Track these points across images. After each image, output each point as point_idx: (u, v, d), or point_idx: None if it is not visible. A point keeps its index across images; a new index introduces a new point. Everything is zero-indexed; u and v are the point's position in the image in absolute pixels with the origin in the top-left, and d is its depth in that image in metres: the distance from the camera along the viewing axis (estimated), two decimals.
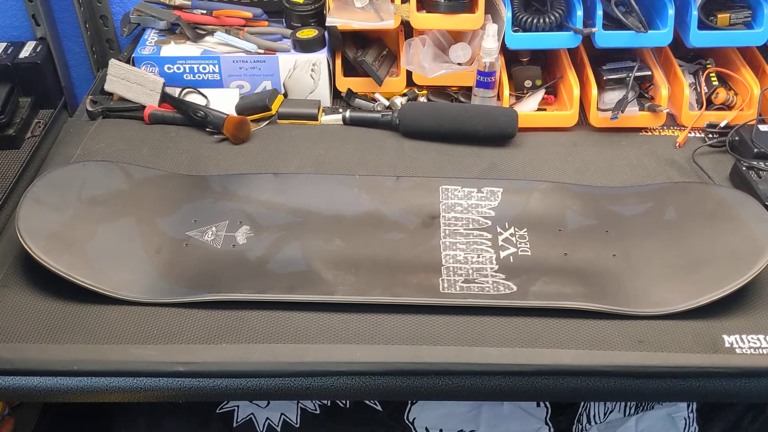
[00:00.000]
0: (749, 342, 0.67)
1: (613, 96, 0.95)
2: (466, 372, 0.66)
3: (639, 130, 0.96)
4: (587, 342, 0.67)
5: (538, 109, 0.98)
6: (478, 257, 0.75)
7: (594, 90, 0.94)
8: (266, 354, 0.67)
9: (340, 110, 0.98)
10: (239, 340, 0.68)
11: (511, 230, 0.79)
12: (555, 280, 0.73)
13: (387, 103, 1.00)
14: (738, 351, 0.66)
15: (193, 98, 0.99)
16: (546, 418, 0.97)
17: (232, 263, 0.75)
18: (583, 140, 0.94)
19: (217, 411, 0.97)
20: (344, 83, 1.01)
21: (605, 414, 0.96)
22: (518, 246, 0.77)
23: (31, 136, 0.99)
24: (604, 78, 0.95)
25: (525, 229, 0.79)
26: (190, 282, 0.73)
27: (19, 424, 0.85)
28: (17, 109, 1.00)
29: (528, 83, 0.99)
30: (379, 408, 0.95)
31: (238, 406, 0.97)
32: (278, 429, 0.96)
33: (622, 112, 0.92)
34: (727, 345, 0.67)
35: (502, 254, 0.76)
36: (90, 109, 0.98)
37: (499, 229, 0.79)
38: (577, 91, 0.94)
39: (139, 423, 0.94)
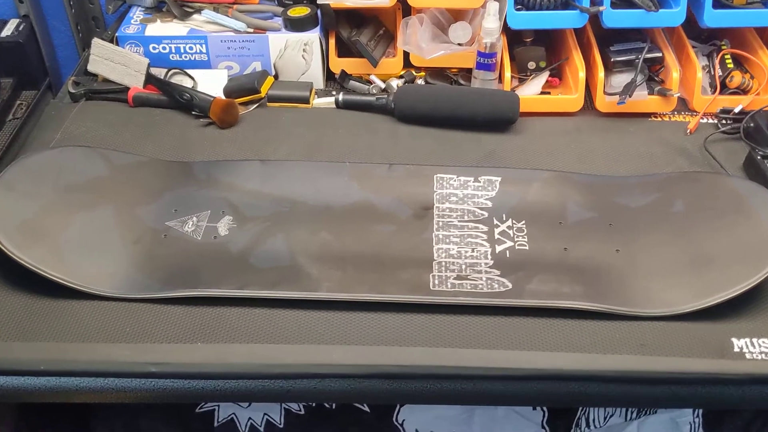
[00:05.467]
0: (760, 346, 0.62)
1: (621, 79, 0.90)
2: (457, 376, 0.62)
3: (648, 115, 0.91)
4: (586, 345, 0.63)
5: (542, 93, 0.93)
6: (473, 251, 0.71)
7: (601, 72, 0.89)
8: (244, 355, 0.63)
9: (334, 93, 0.94)
10: (216, 339, 0.64)
11: (509, 222, 0.74)
12: (553, 277, 0.68)
13: (383, 86, 0.95)
14: (748, 356, 0.62)
15: (180, 80, 0.94)
16: (542, 421, 0.93)
17: (212, 256, 0.71)
18: (588, 126, 0.89)
19: (197, 411, 0.94)
20: (338, 64, 0.96)
21: (605, 418, 0.92)
22: (515, 240, 0.72)
23: (12, 119, 0.95)
24: (612, 60, 0.90)
25: (523, 222, 0.74)
26: (167, 276, 0.69)
27: None
28: None
29: (531, 65, 0.93)
30: (366, 409, 0.92)
31: (218, 406, 0.94)
32: (261, 429, 0.93)
33: (630, 96, 0.87)
34: (736, 350, 0.62)
35: (498, 248, 0.71)
36: (72, 90, 0.94)
37: (495, 221, 0.74)
38: (582, 74, 0.88)
39: (117, 421, 0.91)
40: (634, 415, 0.91)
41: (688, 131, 0.88)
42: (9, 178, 0.73)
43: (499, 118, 0.88)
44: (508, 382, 0.62)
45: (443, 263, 0.70)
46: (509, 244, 0.72)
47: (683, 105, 0.92)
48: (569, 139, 0.86)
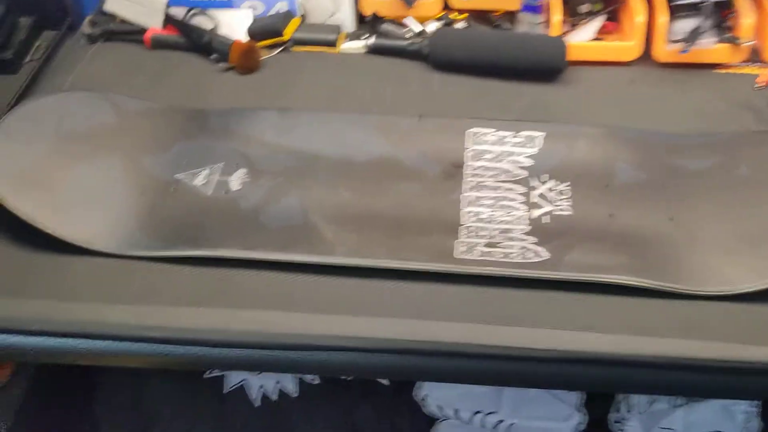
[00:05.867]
0: None
1: (684, 25, 0.79)
2: (481, 355, 0.56)
3: (713, 66, 0.81)
4: (630, 325, 0.56)
5: (595, 39, 0.83)
6: (507, 216, 0.64)
7: (662, 17, 0.79)
8: (249, 321, 0.58)
9: (364, 37, 0.86)
10: (222, 303, 0.59)
11: (550, 184, 0.67)
12: (596, 247, 0.61)
13: (418, 29, 0.87)
14: None
15: (201, 21, 0.88)
16: (578, 404, 0.86)
17: (221, 213, 0.65)
18: (644, 77, 0.79)
19: (205, 376, 0.90)
20: (370, 5, 0.88)
21: (649, 403, 0.85)
22: (556, 203, 0.65)
23: (30, 60, 0.90)
24: (676, 3, 0.80)
25: (566, 183, 0.67)
26: (171, 234, 0.64)
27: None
28: (15, 29, 0.92)
29: (584, 8, 0.84)
30: (385, 382, 0.86)
31: (228, 372, 0.90)
32: (274, 398, 0.88)
33: (694, 43, 0.77)
34: None
35: (536, 213, 0.64)
36: (88, 31, 0.88)
37: (535, 183, 0.67)
38: (642, 18, 0.79)
39: (123, 384, 0.87)
40: (682, 401, 0.83)
41: (758, 85, 0.78)
42: (8, 125, 0.69)
43: (544, 67, 0.79)
44: (540, 364, 0.56)
45: (472, 228, 0.63)
46: (548, 208, 0.64)
47: (754, 55, 0.82)
48: (622, 92, 0.77)
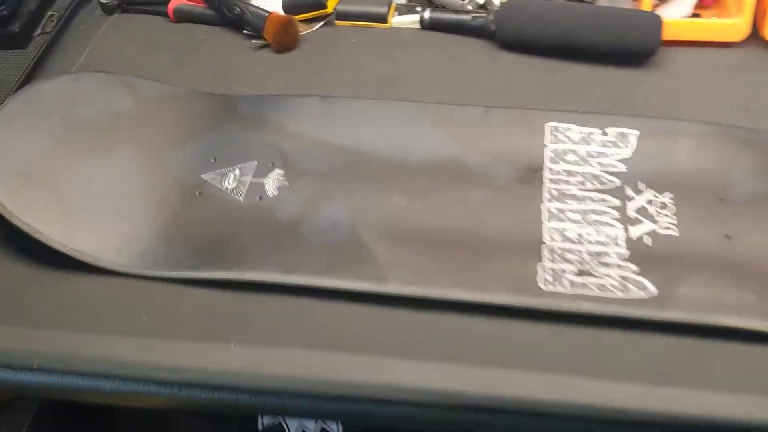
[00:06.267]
0: None
1: None
2: (572, 416, 0.45)
3: None
4: (759, 384, 0.45)
5: (692, 15, 0.71)
6: (599, 235, 0.53)
7: None
8: (286, 364, 0.47)
9: (418, 9, 0.74)
10: (252, 338, 0.49)
11: (648, 195, 0.55)
12: (712, 279, 0.49)
13: (482, 1, 0.75)
14: None
15: None
16: None
17: (255, 225, 0.55)
18: (757, 62, 0.67)
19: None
20: None
21: None
22: (658, 221, 0.53)
23: (40, 33, 0.80)
24: None
25: (669, 195, 0.55)
26: (197, 250, 0.54)
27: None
28: None
29: None
30: None
31: None
32: None
33: None
34: None
35: (635, 232, 0.53)
36: (104, 0, 0.78)
37: (630, 193, 0.55)
38: None
39: (148, 419, 0.78)
40: None
41: None
42: (9, 112, 0.59)
43: (633, 48, 0.67)
44: (642, 428, 0.45)
45: (557, 250, 0.52)
46: (650, 226, 0.53)
47: None
48: (731, 79, 0.65)
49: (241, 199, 0.57)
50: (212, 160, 0.60)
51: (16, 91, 0.69)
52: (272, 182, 0.58)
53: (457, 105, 0.62)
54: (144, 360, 0.48)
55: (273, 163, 0.59)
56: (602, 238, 0.52)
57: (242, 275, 0.51)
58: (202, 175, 0.59)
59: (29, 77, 0.72)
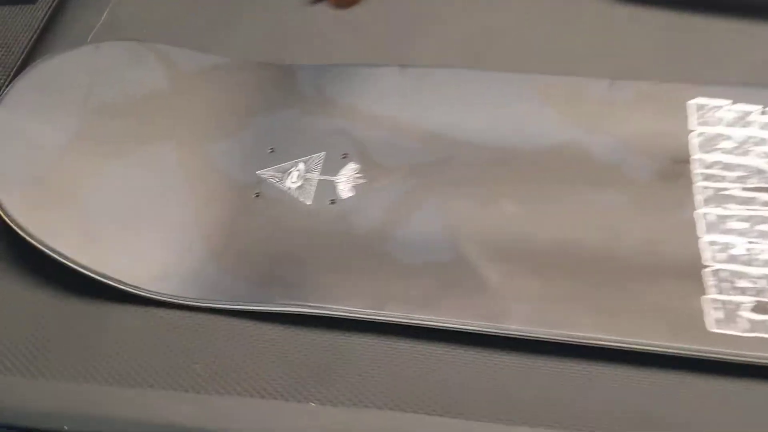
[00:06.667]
0: None
1: None
2: None
3: None
4: None
5: None
6: None
7: None
8: (382, 430, 0.37)
9: None
10: (338, 396, 0.38)
11: None
12: None
13: None
14: None
15: None
16: None
17: (327, 237, 0.44)
18: None
19: None
20: None
21: None
22: None
23: None
24: None
25: None
26: (256, 271, 0.43)
27: None
28: None
29: None
30: None
31: None
32: None
33: None
34: None
35: None
36: None
37: None
38: None
39: None
40: None
41: None
42: (15, 100, 0.47)
43: None
44: None
45: (724, 275, 0.40)
46: None
47: None
48: None
49: (309, 203, 0.46)
50: (269, 151, 0.49)
51: (27, 53, 0.57)
52: (346, 180, 0.46)
53: (574, 77, 0.49)
54: (196, 425, 0.38)
55: (345, 155, 0.48)
56: None
57: (319, 310, 0.40)
58: (258, 172, 0.48)
59: (40, 40, 0.60)
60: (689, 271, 0.40)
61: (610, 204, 0.44)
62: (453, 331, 0.39)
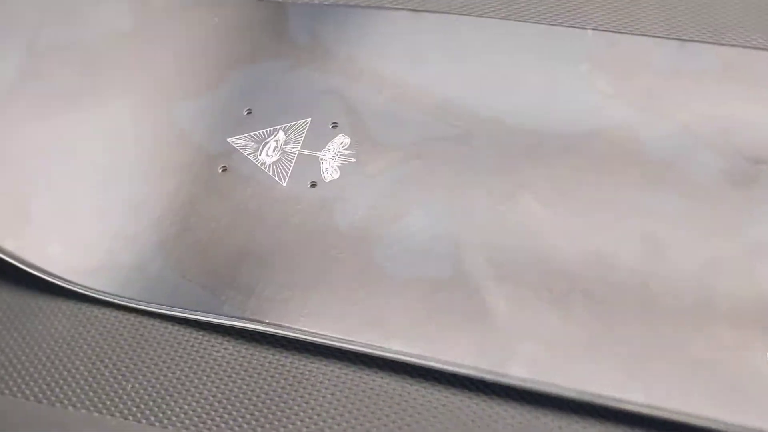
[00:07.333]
0: None
1: None
2: None
3: None
4: None
5: None
6: None
7: None
8: None
9: None
10: None
11: None
12: None
13: None
14: None
15: None
16: None
17: (301, 233, 0.36)
18: None
19: None
20: None
21: None
22: None
23: None
24: None
25: None
26: (210, 270, 0.35)
27: None
28: None
29: None
30: None
31: None
32: None
33: None
34: None
35: None
36: None
37: None
38: None
39: None
40: None
41: None
42: None
43: None
44: None
45: None
46: None
47: None
48: None
49: (284, 183, 0.37)
50: (245, 113, 0.40)
51: None
52: (332, 157, 0.38)
53: (634, 35, 0.39)
54: None
55: (335, 124, 0.39)
56: None
57: (278, 328, 0.33)
58: (229, 139, 0.39)
59: None
60: (756, 317, 0.31)
61: (659, 212, 0.34)
62: (439, 371, 0.31)
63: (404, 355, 0.31)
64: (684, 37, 0.39)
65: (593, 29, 0.39)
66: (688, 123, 0.36)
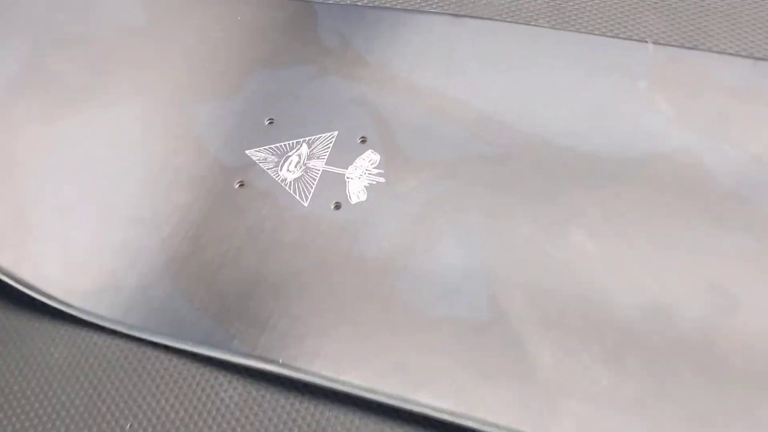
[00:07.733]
0: None
1: None
2: None
3: None
4: None
5: None
6: None
7: None
8: None
9: None
10: None
11: None
12: None
13: None
14: None
15: None
16: None
17: (323, 261, 0.32)
18: None
19: None
20: None
21: None
22: None
23: None
24: None
25: None
26: (220, 299, 0.32)
27: None
28: None
29: None
30: None
31: None
32: None
33: None
34: None
35: None
36: None
37: None
38: None
39: None
40: None
41: None
42: None
43: None
44: None
45: None
46: None
47: None
48: None
49: (305, 204, 0.34)
50: (267, 122, 0.37)
51: None
52: (359, 176, 0.34)
53: (702, 50, 0.35)
54: None
55: (364, 139, 0.35)
56: None
57: (291, 369, 0.29)
58: (248, 151, 0.36)
59: None
60: None
61: (728, 255, 0.30)
62: (474, 430, 0.27)
63: (433, 410, 0.28)
64: (758, 55, 0.35)
65: (654, 42, 0.35)
66: (761, 153, 0.32)
